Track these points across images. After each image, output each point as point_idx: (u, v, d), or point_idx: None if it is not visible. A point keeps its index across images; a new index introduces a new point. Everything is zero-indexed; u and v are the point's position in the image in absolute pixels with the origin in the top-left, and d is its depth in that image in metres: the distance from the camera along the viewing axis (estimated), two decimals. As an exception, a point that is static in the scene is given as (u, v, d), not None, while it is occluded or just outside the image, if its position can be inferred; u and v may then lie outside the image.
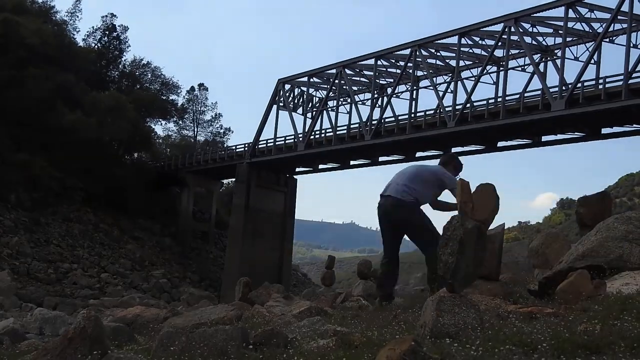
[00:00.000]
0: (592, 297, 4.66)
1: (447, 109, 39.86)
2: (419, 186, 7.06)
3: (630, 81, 31.96)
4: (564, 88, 34.16)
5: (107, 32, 67.39)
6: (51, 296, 38.18)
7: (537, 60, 38.54)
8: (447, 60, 43.98)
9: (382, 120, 44.45)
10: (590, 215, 7.27)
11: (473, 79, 40.56)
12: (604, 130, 36.80)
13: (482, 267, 4.42)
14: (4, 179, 45.74)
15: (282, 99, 52.03)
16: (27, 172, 47.43)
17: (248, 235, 49.99)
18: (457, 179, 6.39)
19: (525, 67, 40.77)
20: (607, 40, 35.42)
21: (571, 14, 35.37)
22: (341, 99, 49.13)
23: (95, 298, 39.65)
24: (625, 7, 32.02)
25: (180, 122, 75.07)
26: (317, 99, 52.75)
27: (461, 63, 42.45)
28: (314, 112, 49.94)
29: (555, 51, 39.55)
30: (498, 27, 38.13)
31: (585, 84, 34.20)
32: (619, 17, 33.23)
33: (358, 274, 11.67)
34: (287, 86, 52.57)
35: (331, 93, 49.39)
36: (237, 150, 56.44)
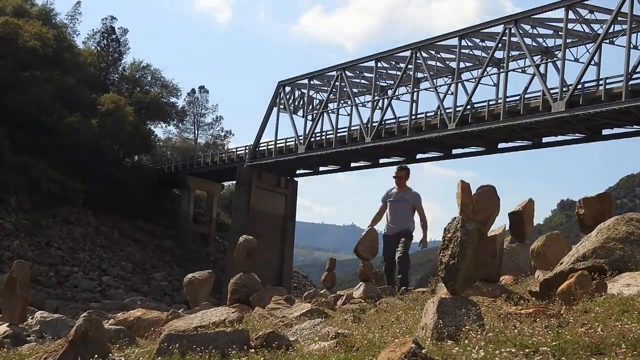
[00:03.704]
0: (593, 298, 4.66)
1: (447, 110, 39.86)
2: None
3: (631, 82, 31.96)
4: (564, 89, 34.17)
5: (107, 35, 67.43)
6: (52, 299, 38.18)
7: (537, 62, 38.55)
8: (448, 62, 44.00)
9: (383, 122, 44.45)
10: (591, 216, 7.27)
11: (473, 80, 40.57)
12: (605, 132, 36.80)
13: (482, 269, 4.42)
14: (5, 182, 45.75)
15: (282, 101, 52.06)
16: (28, 174, 47.43)
17: (249, 238, 49.92)
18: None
19: (526, 68, 40.80)
20: (608, 41, 35.45)
21: (571, 15, 35.40)
22: (342, 101, 49.14)
23: (97, 301, 39.66)
24: (625, 8, 32.03)
25: (181, 125, 75.21)
26: (318, 101, 52.78)
27: (461, 65, 42.47)
28: (315, 114, 49.95)
29: (556, 52, 39.58)
30: (498, 29, 38.16)
31: (586, 85, 34.22)
32: (619, 18, 33.25)
33: (359, 276, 11.65)
34: (288, 88, 52.60)
35: (332, 95, 49.39)
36: (238, 152, 56.46)
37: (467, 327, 3.69)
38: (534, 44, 39.73)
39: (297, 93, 53.71)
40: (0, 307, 9.37)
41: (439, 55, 43.93)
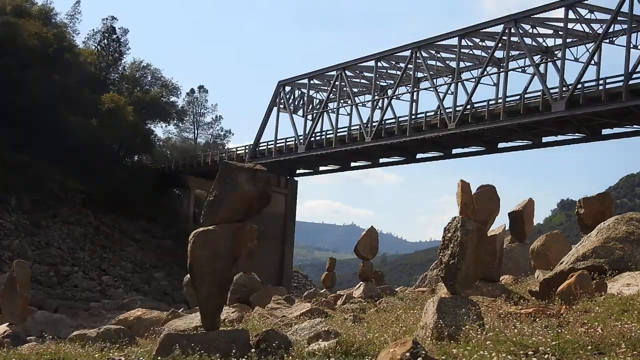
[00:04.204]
0: (593, 298, 4.66)
1: (447, 110, 39.82)
2: None
3: (630, 82, 31.93)
4: (564, 89, 34.14)
5: (107, 35, 67.41)
6: (52, 299, 38.15)
7: (537, 62, 38.51)
8: (448, 62, 43.95)
9: (383, 122, 44.42)
10: (590, 216, 7.28)
11: (473, 80, 40.52)
12: (605, 131, 36.77)
13: (482, 269, 4.41)
14: (5, 182, 45.71)
15: (282, 101, 52.02)
16: (28, 174, 47.40)
17: (249, 237, 49.87)
18: None
19: (526, 68, 40.76)
20: (607, 41, 35.41)
21: (571, 15, 35.36)
22: (341, 101, 49.10)
23: (97, 301, 39.63)
24: (625, 8, 32.00)
25: (181, 125, 75.14)
26: (318, 100, 52.75)
27: (461, 64, 42.42)
28: (315, 114, 49.91)
29: (556, 52, 39.54)
30: (498, 29, 38.11)
31: (586, 84, 34.19)
32: (618, 18, 33.22)
33: (359, 275, 11.67)
34: (288, 88, 52.55)
35: (332, 95, 49.36)
36: (238, 152, 56.44)
37: (467, 326, 3.69)
38: (534, 43, 39.68)
39: (297, 93, 53.66)
40: (0, 307, 9.38)
41: (439, 55, 43.88)
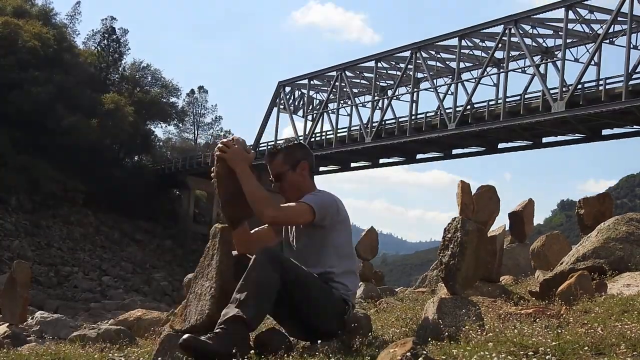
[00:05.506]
0: (593, 298, 4.66)
1: (447, 110, 39.86)
2: None
3: (631, 82, 31.97)
4: (564, 89, 34.17)
5: (107, 35, 67.49)
6: (52, 299, 38.18)
7: (537, 62, 38.55)
8: (448, 62, 44.01)
9: (383, 123, 44.46)
10: (591, 216, 7.27)
11: (473, 80, 40.60)
12: (605, 132, 36.81)
13: (482, 269, 4.42)
14: (5, 182, 45.77)
15: (282, 102, 52.07)
16: (28, 175, 47.46)
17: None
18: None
19: (526, 68, 40.83)
20: (608, 41, 35.45)
21: (571, 15, 35.41)
22: (342, 101, 49.15)
23: (97, 301, 39.67)
24: (625, 9, 32.03)
25: (181, 125, 75.29)
26: (318, 101, 52.80)
27: (461, 65, 42.48)
28: (315, 115, 49.96)
29: (556, 52, 39.59)
30: (498, 29, 38.17)
31: (586, 85, 34.23)
32: (619, 19, 33.26)
33: (359, 276, 11.66)
34: (288, 88, 52.60)
35: (332, 95, 49.41)
36: (238, 152, 56.49)
37: (467, 327, 3.69)
38: (534, 44, 39.73)
39: (297, 93, 53.73)
40: (0, 307, 9.38)
41: (439, 56, 43.95)
